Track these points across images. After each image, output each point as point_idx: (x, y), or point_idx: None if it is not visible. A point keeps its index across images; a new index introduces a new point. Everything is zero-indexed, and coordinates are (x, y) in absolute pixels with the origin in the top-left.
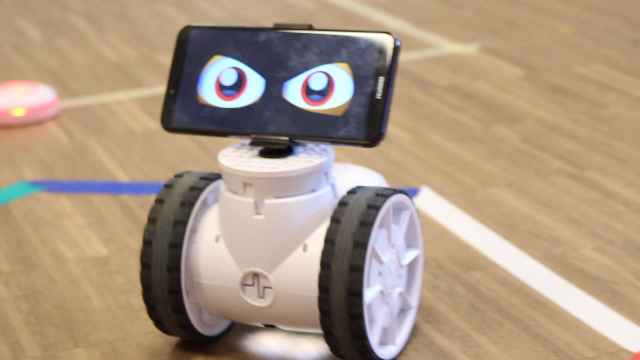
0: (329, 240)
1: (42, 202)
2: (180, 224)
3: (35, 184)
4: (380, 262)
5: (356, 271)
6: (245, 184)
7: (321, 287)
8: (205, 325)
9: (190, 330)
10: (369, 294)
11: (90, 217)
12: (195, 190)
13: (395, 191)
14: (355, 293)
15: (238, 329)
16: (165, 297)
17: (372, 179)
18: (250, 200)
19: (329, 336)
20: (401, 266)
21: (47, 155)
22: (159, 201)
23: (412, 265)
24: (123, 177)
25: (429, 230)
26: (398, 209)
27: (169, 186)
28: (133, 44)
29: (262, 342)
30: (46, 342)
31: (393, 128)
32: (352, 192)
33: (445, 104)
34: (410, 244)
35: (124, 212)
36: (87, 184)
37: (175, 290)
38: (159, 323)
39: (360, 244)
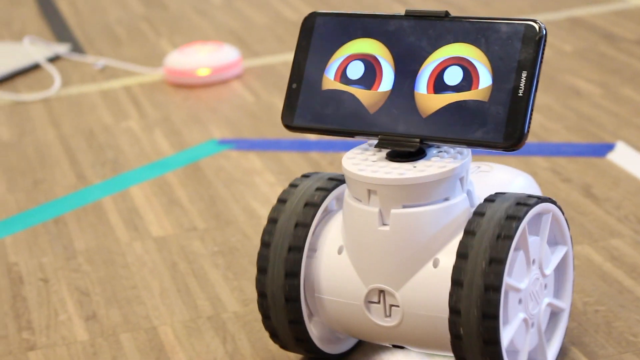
0: (462, 255)
1: (231, 160)
2: (302, 226)
3: (224, 142)
4: (517, 290)
5: (491, 291)
6: (370, 192)
7: (452, 307)
8: (327, 341)
9: (309, 346)
10: (509, 330)
11: (280, 174)
12: (322, 191)
13: (539, 199)
14: (490, 316)
15: (365, 347)
16: (281, 305)
17: (520, 182)
18: (375, 210)
19: (456, 342)
20: (545, 276)
21: (233, 114)
22: (282, 201)
23: (560, 265)
24: (310, 135)
25: (628, 186)
26: (553, 241)
27: (293, 185)
28: (311, 2)
29: None
30: (245, 297)
31: (582, 82)
32: (489, 199)
33: (635, 58)
34: (556, 241)
35: (314, 168)
36: (275, 141)
37: (293, 299)
38: (274, 335)
39: (497, 260)
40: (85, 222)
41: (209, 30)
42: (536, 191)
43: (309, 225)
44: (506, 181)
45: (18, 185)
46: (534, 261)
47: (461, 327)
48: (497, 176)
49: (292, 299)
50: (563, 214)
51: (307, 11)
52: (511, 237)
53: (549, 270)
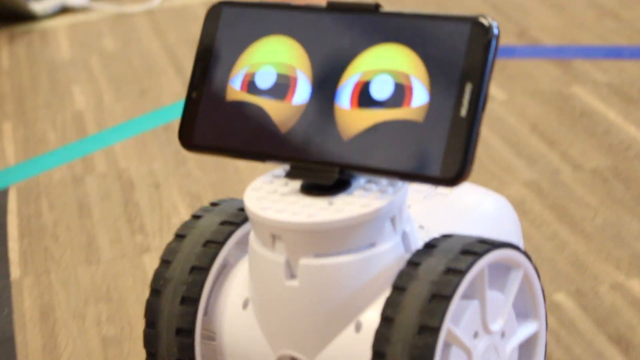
0: (386, 320)
1: None
2: (189, 302)
3: None
4: (467, 351)
5: (428, 331)
6: (274, 237)
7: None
8: None
9: None
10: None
11: None
12: (212, 246)
13: (494, 245)
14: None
15: None
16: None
17: (488, 208)
18: (281, 259)
19: None
20: (507, 349)
21: None
22: (166, 262)
23: (527, 346)
24: None
25: None
26: (505, 268)
27: (180, 237)
28: None
29: None
30: None
31: None
32: (430, 245)
33: None
34: (524, 312)
35: None
36: None
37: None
38: None
39: (428, 328)
40: None
41: None
42: (509, 220)
43: (197, 300)
44: (469, 207)
45: (125, 94)
46: (475, 334)
47: None
48: (458, 201)
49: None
50: (537, 272)
51: None
52: (448, 297)
53: (502, 320)
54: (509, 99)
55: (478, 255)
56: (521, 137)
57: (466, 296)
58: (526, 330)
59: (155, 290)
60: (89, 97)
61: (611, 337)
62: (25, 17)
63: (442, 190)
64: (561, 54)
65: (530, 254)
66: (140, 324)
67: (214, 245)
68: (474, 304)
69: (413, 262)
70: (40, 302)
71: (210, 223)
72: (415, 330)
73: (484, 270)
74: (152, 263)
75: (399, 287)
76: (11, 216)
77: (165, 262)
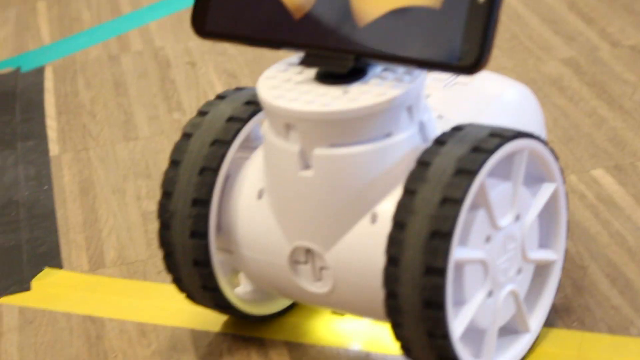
0: (408, 192)
1: None
2: (209, 171)
3: None
4: (492, 221)
5: (439, 237)
6: (288, 126)
7: (389, 254)
8: (252, 301)
9: (220, 299)
10: (463, 253)
11: None
12: (235, 122)
13: (524, 134)
14: (434, 268)
15: (300, 310)
16: (190, 269)
17: (509, 97)
18: (295, 149)
19: (397, 330)
20: (526, 259)
21: None
22: (186, 135)
23: (542, 271)
24: None
25: None
26: (536, 177)
27: (202, 113)
28: None
29: (332, 330)
30: None
31: None
32: (457, 128)
33: None
34: (544, 241)
35: None
36: None
37: (202, 263)
38: (190, 297)
39: (452, 200)
40: None
41: None
42: (532, 110)
43: (217, 170)
44: (490, 97)
45: None
46: (518, 217)
47: (397, 283)
48: (478, 90)
49: (199, 233)
50: (549, 148)
51: None
52: (474, 172)
53: (533, 256)
54: None
55: (505, 139)
56: (559, 15)
57: (500, 176)
58: (544, 194)
59: (175, 162)
60: None
61: None
62: None
63: (462, 79)
64: None
65: (568, 130)
66: None
67: (237, 121)
68: (507, 185)
69: (439, 141)
70: (79, 178)
71: (234, 102)
72: (436, 202)
73: (519, 154)
74: None
75: (423, 162)
76: (48, 94)
77: (186, 135)
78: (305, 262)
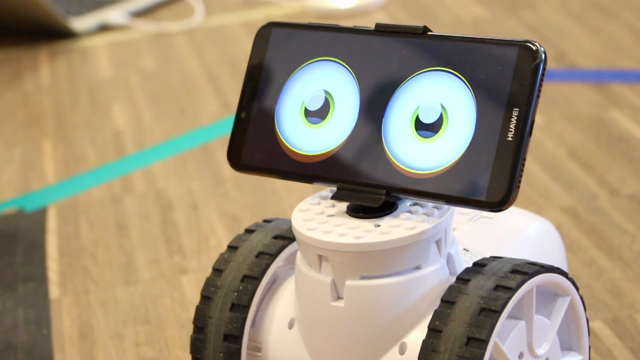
0: (434, 331)
1: None
2: (239, 307)
3: None
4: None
5: None
6: (321, 258)
7: None
8: None
9: None
10: None
11: None
12: (264, 258)
13: (544, 268)
14: None
15: None
16: None
17: (531, 232)
18: (327, 280)
19: None
20: None
21: None
22: (217, 271)
23: None
24: None
25: None
26: (551, 295)
27: (232, 248)
28: None
29: None
30: None
31: None
32: (479, 264)
33: None
34: (567, 344)
35: None
36: None
37: None
38: None
39: (476, 340)
40: None
41: None
42: (555, 244)
43: (247, 307)
44: (514, 231)
45: (164, 114)
46: (520, 355)
47: None
48: (502, 224)
49: None
50: (582, 301)
51: None
52: (497, 312)
53: (547, 345)
54: (547, 123)
55: (527, 275)
56: (559, 162)
57: (513, 316)
58: (559, 313)
59: (206, 297)
60: (128, 116)
61: None
62: (66, 34)
63: (487, 213)
64: (600, 78)
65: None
66: (178, 346)
67: (266, 256)
68: (521, 325)
69: (462, 279)
70: (79, 322)
71: (263, 237)
72: (462, 341)
73: (531, 292)
74: (189, 284)
75: (447, 301)
76: (50, 235)
77: (217, 270)
78: None
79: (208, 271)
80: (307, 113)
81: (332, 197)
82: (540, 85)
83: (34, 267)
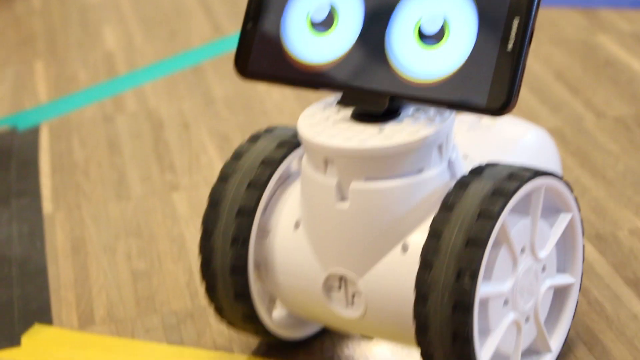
0: (434, 234)
1: None
2: (245, 214)
3: None
4: (515, 258)
5: (466, 276)
6: (327, 161)
7: (419, 293)
8: (285, 325)
9: (260, 327)
10: (494, 339)
11: None
12: (268, 167)
13: (541, 173)
14: (462, 305)
15: (329, 335)
16: (231, 302)
17: (528, 141)
18: (332, 182)
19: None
20: (540, 259)
21: None
22: (223, 179)
23: (560, 295)
24: None
25: None
26: (553, 209)
27: (237, 156)
28: None
29: (362, 352)
30: None
31: None
32: (477, 169)
33: None
34: (562, 266)
35: None
36: None
37: (242, 295)
38: (219, 310)
39: (476, 242)
40: (223, 71)
41: None
42: (550, 153)
43: (253, 211)
44: (512, 139)
45: (155, 35)
46: (523, 249)
47: (427, 318)
48: (500, 133)
49: (239, 269)
50: (569, 186)
51: None
52: (494, 216)
53: (546, 251)
54: (534, 48)
55: (525, 180)
56: (546, 85)
57: (519, 212)
58: (561, 224)
59: (207, 231)
60: (119, 37)
61: (628, 281)
62: None
63: (485, 122)
64: (587, 3)
65: None
66: (169, 259)
67: (271, 163)
68: (526, 221)
69: (461, 183)
70: (72, 236)
71: (267, 144)
72: (461, 244)
73: (537, 192)
74: (181, 201)
75: (446, 205)
76: (43, 153)
77: (222, 179)
78: (339, 289)
79: (199, 188)
80: (313, 24)
81: (338, 103)
82: None
83: (27, 183)
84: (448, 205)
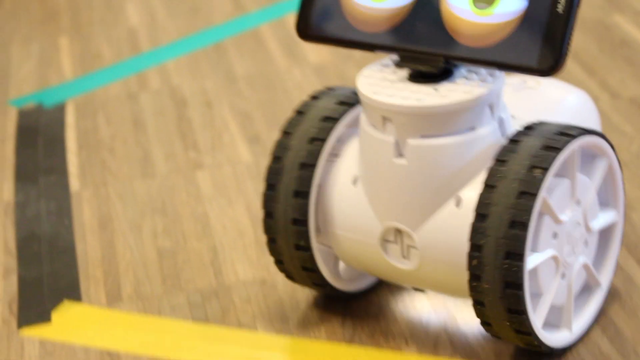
0: (488, 186)
1: None
2: (307, 167)
3: None
4: (556, 220)
5: (517, 227)
6: (385, 119)
7: (472, 243)
8: (344, 279)
9: (318, 277)
10: (535, 259)
11: None
12: (329, 122)
13: (586, 131)
14: (513, 255)
15: (383, 287)
16: (288, 226)
17: (570, 102)
18: (390, 139)
19: (479, 307)
20: (589, 230)
21: None
22: (286, 133)
23: (606, 233)
24: None
25: None
26: (591, 156)
27: (300, 113)
28: None
29: (414, 305)
30: None
31: None
32: (528, 127)
33: None
34: (605, 203)
35: None
36: None
37: (300, 222)
38: (279, 261)
39: (527, 193)
40: (244, 49)
41: None
42: (591, 113)
43: (314, 166)
44: (555, 100)
45: (177, 12)
46: (578, 202)
47: (481, 267)
48: (544, 94)
49: (300, 221)
50: (619, 162)
51: None
52: (545, 169)
53: (596, 226)
54: None
55: (572, 136)
56: None
57: (559, 175)
58: (606, 217)
59: (271, 185)
60: (142, 13)
61: None
62: None
63: (530, 83)
64: None
65: None
66: (194, 237)
67: (331, 120)
68: (566, 182)
69: (512, 140)
70: (99, 214)
71: (327, 102)
72: (514, 195)
73: (575, 152)
74: (204, 179)
75: (500, 160)
76: (69, 130)
77: (276, 158)
78: (395, 241)
79: (222, 166)
80: None
81: (396, 64)
82: None
83: (54, 160)
84: (501, 159)
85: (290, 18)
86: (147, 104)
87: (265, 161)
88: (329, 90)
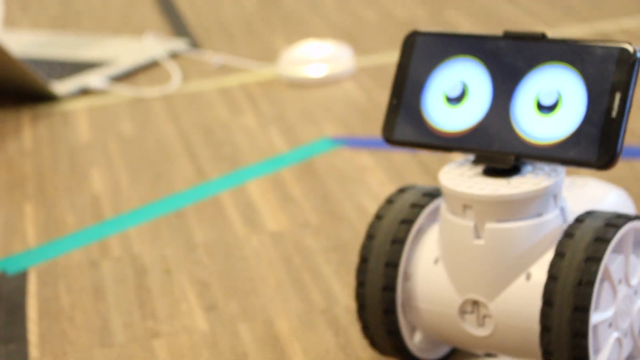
0: (552, 277)
1: (343, 158)
2: (398, 242)
3: (337, 140)
4: (614, 290)
5: (580, 311)
6: (465, 206)
7: (543, 325)
8: (424, 349)
9: (407, 354)
10: (602, 356)
11: (390, 172)
12: (416, 208)
13: (630, 218)
14: (579, 334)
15: (458, 354)
16: (379, 317)
17: (612, 198)
18: (470, 224)
19: None
20: (632, 286)
21: (345, 112)
22: (379, 217)
23: None
24: None
25: None
26: (638, 243)
27: (390, 202)
28: (423, 2)
29: None
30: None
31: None
32: (579, 220)
33: None
34: None
35: (422, 168)
36: None
37: (390, 311)
38: (373, 343)
39: (586, 282)
40: (204, 216)
41: (321, 28)
42: (629, 207)
43: (404, 241)
44: (599, 197)
45: (141, 179)
46: (619, 281)
47: (551, 345)
48: (590, 192)
49: (390, 311)
50: None
51: (417, 10)
52: (599, 259)
53: (636, 279)
54: None
55: (618, 227)
56: None
57: (615, 251)
58: None
59: (364, 258)
60: (106, 180)
61: None
62: (47, 97)
63: (578, 183)
64: None
65: None
66: None
67: (418, 207)
68: (620, 258)
69: (568, 234)
70: None
71: (412, 195)
72: (574, 284)
73: (630, 232)
74: (161, 348)
75: (559, 253)
76: (31, 298)
77: (369, 236)
78: (471, 312)
79: (179, 335)
80: (448, 99)
81: (473, 162)
82: (636, 76)
83: (15, 328)
84: (560, 252)
85: (250, 185)
86: (107, 272)
87: (222, 330)
88: (409, 187)
